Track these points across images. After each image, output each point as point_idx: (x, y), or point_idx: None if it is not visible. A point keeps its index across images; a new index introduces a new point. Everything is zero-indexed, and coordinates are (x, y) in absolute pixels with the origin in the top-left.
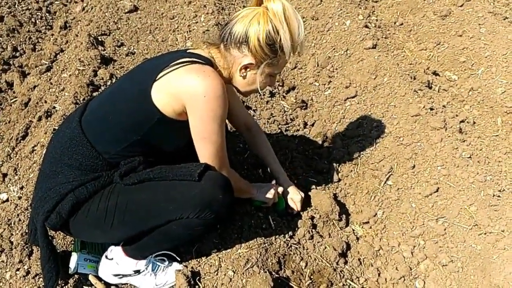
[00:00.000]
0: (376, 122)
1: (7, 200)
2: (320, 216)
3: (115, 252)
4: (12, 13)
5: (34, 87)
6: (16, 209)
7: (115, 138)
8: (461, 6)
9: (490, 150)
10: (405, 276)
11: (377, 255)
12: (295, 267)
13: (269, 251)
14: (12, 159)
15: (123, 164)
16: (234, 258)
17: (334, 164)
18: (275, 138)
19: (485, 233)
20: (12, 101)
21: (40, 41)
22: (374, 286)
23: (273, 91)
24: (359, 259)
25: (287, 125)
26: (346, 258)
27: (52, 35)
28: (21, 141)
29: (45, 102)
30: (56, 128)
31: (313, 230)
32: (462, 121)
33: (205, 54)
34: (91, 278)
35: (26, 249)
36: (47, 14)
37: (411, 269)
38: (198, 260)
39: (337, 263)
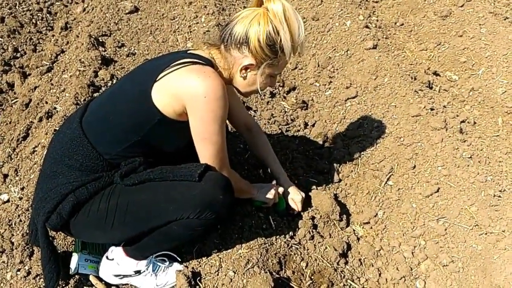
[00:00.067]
0: (376, 122)
1: (8, 200)
2: (320, 216)
3: (116, 252)
4: (13, 14)
5: (35, 88)
6: (17, 209)
7: (115, 139)
8: (461, 6)
9: (490, 150)
10: (406, 276)
11: (377, 255)
12: (295, 268)
13: (270, 252)
14: (13, 160)
15: (123, 164)
16: (234, 258)
17: (335, 165)
18: (275, 139)
19: (485, 233)
20: (13, 102)
21: (40, 42)
22: (375, 286)
23: (274, 92)
24: (359, 259)
25: (287, 126)
26: (347, 258)
27: (53, 36)
28: (22, 142)
29: (46, 103)
30: (57, 129)
31: (314, 230)
32: (463, 121)
33: (206, 55)
34: (91, 278)
35: (27, 250)
36: (47, 15)
37: (411, 269)
38: (199, 260)
39: (337, 263)
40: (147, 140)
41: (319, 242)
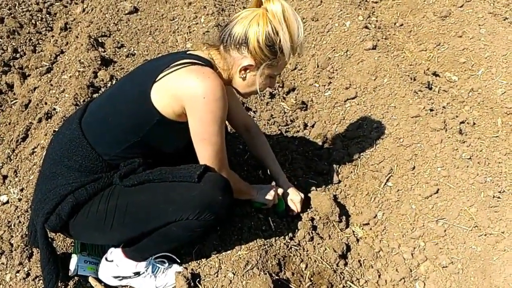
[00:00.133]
0: (376, 123)
1: (7, 202)
2: (320, 217)
3: (115, 254)
4: (12, 15)
5: (34, 88)
6: (16, 211)
7: (115, 140)
8: (461, 6)
9: (490, 151)
10: (405, 278)
11: (377, 256)
12: (295, 269)
13: (269, 253)
14: (12, 161)
15: (123, 165)
16: (234, 260)
17: (334, 166)
18: (275, 139)
19: (485, 235)
20: (12, 102)
21: (40, 42)
22: (374, 287)
23: (273, 92)
24: (359, 261)
25: (287, 126)
26: (346, 260)
27: (52, 36)
28: (21, 143)
29: (45, 103)
30: (56, 129)
31: (313, 231)
32: (462, 122)
33: (205, 55)
34: (91, 280)
35: (26, 251)
36: (47, 15)
37: (411, 271)
38: (198, 262)
39: (337, 265)
40: (146, 141)
41: (318, 244)
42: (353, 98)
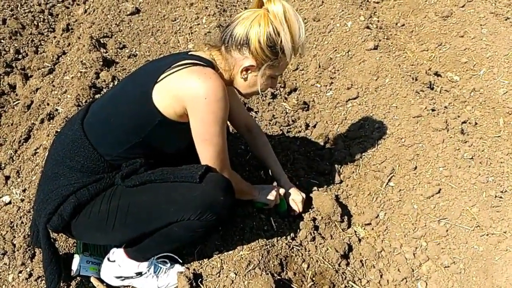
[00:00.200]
0: (377, 123)
1: (9, 202)
2: (322, 217)
3: (117, 254)
4: (15, 16)
5: (37, 89)
6: (18, 211)
7: (117, 140)
8: (462, 6)
9: (492, 151)
10: (407, 278)
11: (379, 256)
12: (297, 269)
13: (271, 253)
14: (14, 162)
15: (124, 166)
16: (236, 260)
17: (336, 166)
18: (276, 140)
19: (487, 235)
20: (15, 103)
21: (42, 43)
22: (376, 287)
23: (275, 93)
24: (361, 261)
25: (288, 127)
26: (348, 260)
27: (55, 37)
28: (24, 143)
29: (48, 104)
30: (58, 130)
31: (315, 231)
32: (464, 122)
33: (207, 56)
34: (93, 280)
35: (29, 252)
36: (49, 16)
37: (413, 271)
38: (200, 262)
39: (339, 265)
40: (148, 141)
41: (320, 244)
42: (354, 98)
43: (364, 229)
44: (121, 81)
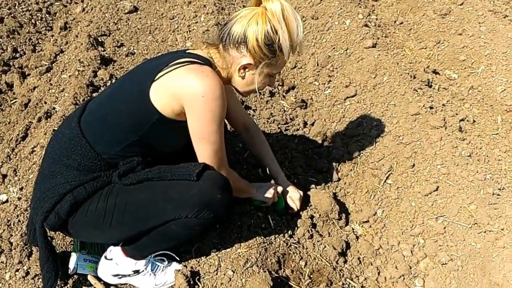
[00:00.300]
0: (375, 121)
1: (6, 201)
2: (319, 215)
3: (115, 252)
4: (12, 14)
5: (34, 88)
6: (15, 210)
7: (114, 139)
8: (461, 4)
9: (490, 148)
10: (405, 275)
11: (376, 254)
12: (294, 267)
13: (269, 251)
14: (11, 160)
15: (122, 164)
16: (233, 257)
17: (334, 164)
18: (274, 138)
19: (484, 232)
20: (12, 102)
21: (40, 42)
22: (374, 285)
23: (273, 91)
24: (358, 258)
25: (286, 125)
26: (346, 257)
27: (52, 36)
28: (21, 142)
29: (45, 103)
30: (56, 129)
31: (313, 229)
32: (462, 120)
33: (204, 54)
34: (90, 278)
35: (26, 250)
36: (47, 15)
37: (410, 268)
38: (198, 259)
39: (336, 262)
40: (145, 139)
41: (318, 241)
42: (353, 96)
43: (361, 226)
44: (119, 80)
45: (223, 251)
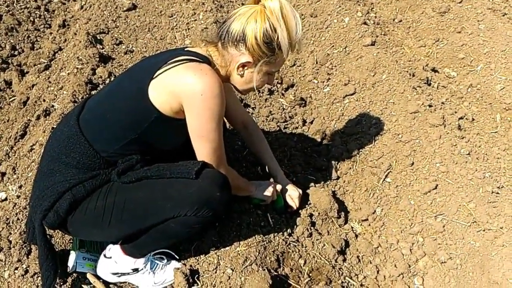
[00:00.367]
0: (375, 119)
1: (5, 199)
2: (319, 213)
3: (114, 250)
4: (11, 12)
5: (33, 85)
6: (14, 208)
7: (113, 136)
8: (460, 2)
9: (489, 146)
10: (404, 273)
11: (375, 252)
12: (293, 265)
13: (268, 249)
14: (10, 158)
15: (120, 162)
16: (232, 256)
17: (333, 162)
18: (273, 136)
19: (483, 230)
20: (11, 100)
21: (38, 39)
22: (373, 283)
23: (272, 89)
24: (357, 257)
25: (285, 123)
26: (345, 256)
27: (51, 33)
28: (20, 140)
29: (44, 100)
30: (55, 126)
31: (312, 227)
32: (461, 118)
33: (203, 52)
34: (89, 276)
35: (25, 248)
36: (45, 12)
37: (409, 266)
38: (197, 258)
39: (335, 261)
40: (144, 137)
41: (317, 239)
42: (352, 94)
43: (361, 225)
44: (118, 77)
45: (222, 249)
